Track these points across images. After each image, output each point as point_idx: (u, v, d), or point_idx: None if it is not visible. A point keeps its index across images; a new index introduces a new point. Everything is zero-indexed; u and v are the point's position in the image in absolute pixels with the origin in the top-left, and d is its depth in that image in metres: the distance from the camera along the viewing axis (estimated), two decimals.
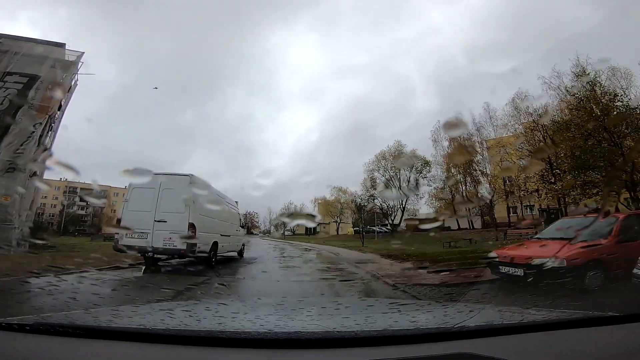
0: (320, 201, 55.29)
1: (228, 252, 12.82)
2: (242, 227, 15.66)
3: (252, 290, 7.41)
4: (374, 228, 50.67)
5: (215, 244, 10.25)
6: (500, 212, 42.77)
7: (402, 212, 43.49)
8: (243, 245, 15.22)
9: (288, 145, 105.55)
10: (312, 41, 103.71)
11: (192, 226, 8.76)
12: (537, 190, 27.32)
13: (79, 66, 30.39)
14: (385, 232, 43.46)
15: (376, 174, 43.41)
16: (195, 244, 8.82)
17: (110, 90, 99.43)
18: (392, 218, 43.81)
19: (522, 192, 29.12)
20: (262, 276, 9.44)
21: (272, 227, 71.28)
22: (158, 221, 8.90)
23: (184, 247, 8.65)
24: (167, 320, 1.52)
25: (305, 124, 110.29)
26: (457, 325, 1.20)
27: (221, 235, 11.07)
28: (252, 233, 74.31)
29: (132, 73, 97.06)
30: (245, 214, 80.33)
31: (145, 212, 8.98)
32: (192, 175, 9.46)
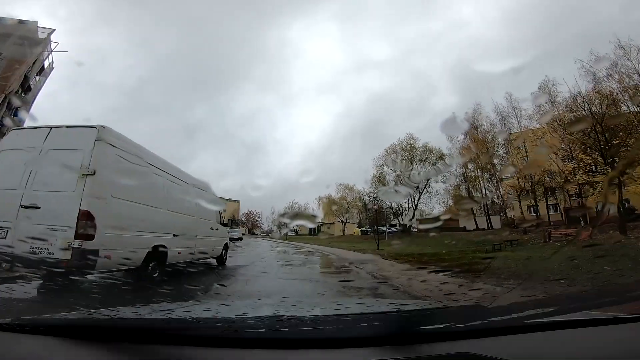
0: (324, 200, 50.85)
1: (196, 260, 8.50)
2: (225, 224, 11.29)
3: None
4: (383, 228, 46.18)
5: (158, 250, 5.84)
6: (516, 212, 38.28)
7: (414, 210, 38.85)
8: (225, 249, 10.84)
9: (298, 143, 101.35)
10: (332, 32, 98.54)
11: (87, 216, 4.37)
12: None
13: (54, 47, 26.37)
14: (395, 232, 38.80)
15: (386, 169, 38.77)
16: (95, 251, 4.40)
17: (118, 85, 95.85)
18: (403, 217, 39.13)
19: (572, 185, 24.17)
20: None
21: (275, 227, 67.00)
22: (26, 207, 4.53)
23: (67, 256, 4.27)
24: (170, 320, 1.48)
25: (317, 121, 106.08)
26: (458, 325, 1.12)
27: (174, 235, 6.68)
28: (253, 233, 70.18)
29: (141, 68, 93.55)
30: (248, 212, 75.87)
31: (6, 192, 4.64)
32: (102, 126, 5.06)
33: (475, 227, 37.12)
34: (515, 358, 0.91)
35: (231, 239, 32.18)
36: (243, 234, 63.89)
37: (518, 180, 30.60)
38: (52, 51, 26.10)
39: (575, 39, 44.99)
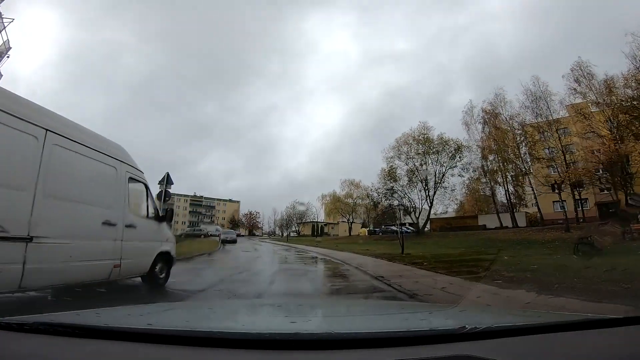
0: (328, 198, 45.46)
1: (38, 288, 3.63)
2: (162, 217, 6.17)
3: None
4: (394, 227, 41.05)
5: None
6: (544, 207, 33.30)
7: (430, 207, 33.61)
8: (163, 261, 5.84)
9: (307, 142, 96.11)
10: (351, 23, 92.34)
11: None
12: None
13: (7, 22, 21.57)
14: (407, 232, 33.62)
15: (397, 161, 33.57)
16: None
17: (127, 82, 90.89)
18: (417, 215, 33.93)
19: None
20: None
21: (277, 228, 62.03)
22: None
23: None
24: (168, 320, 1.45)
25: (328, 119, 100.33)
26: (458, 328, 1.07)
27: None
28: (254, 234, 65.26)
29: (150, 64, 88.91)
30: (248, 213, 71.02)
31: None
32: None
33: (499, 225, 31.98)
34: None
35: (224, 241, 27.34)
36: (242, 235, 58.95)
37: (558, 170, 25.38)
38: (5, 27, 21.35)
39: (607, 25, 40.20)
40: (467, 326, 1.05)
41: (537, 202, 29.09)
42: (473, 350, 0.89)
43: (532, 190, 29.13)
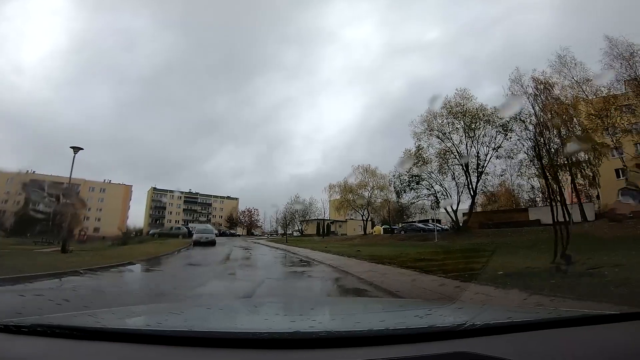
0: (337, 188, 36.83)
1: None
2: None
3: None
4: (418, 224, 32.57)
5: None
6: (608, 198, 25.05)
7: (473, 198, 25.02)
8: None
9: (321, 138, 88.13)
10: (379, 8, 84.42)
11: None
12: None
13: None
14: (439, 229, 25.30)
15: (429, 139, 25.05)
16: None
17: (137, 74, 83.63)
18: (455, 209, 25.35)
19: None
20: None
21: (279, 227, 53.83)
22: None
23: None
24: (167, 321, 1.36)
25: (344, 114, 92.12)
26: (456, 324, 1.07)
27: None
28: (252, 234, 57.16)
29: (165, 53, 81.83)
30: (247, 211, 62.31)
31: None
32: None
33: (564, 219, 23.55)
34: (513, 357, 0.86)
35: (196, 243, 18.96)
36: (237, 235, 50.59)
37: None
38: None
39: None
40: (465, 323, 1.02)
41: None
42: (471, 347, 0.86)
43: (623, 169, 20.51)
